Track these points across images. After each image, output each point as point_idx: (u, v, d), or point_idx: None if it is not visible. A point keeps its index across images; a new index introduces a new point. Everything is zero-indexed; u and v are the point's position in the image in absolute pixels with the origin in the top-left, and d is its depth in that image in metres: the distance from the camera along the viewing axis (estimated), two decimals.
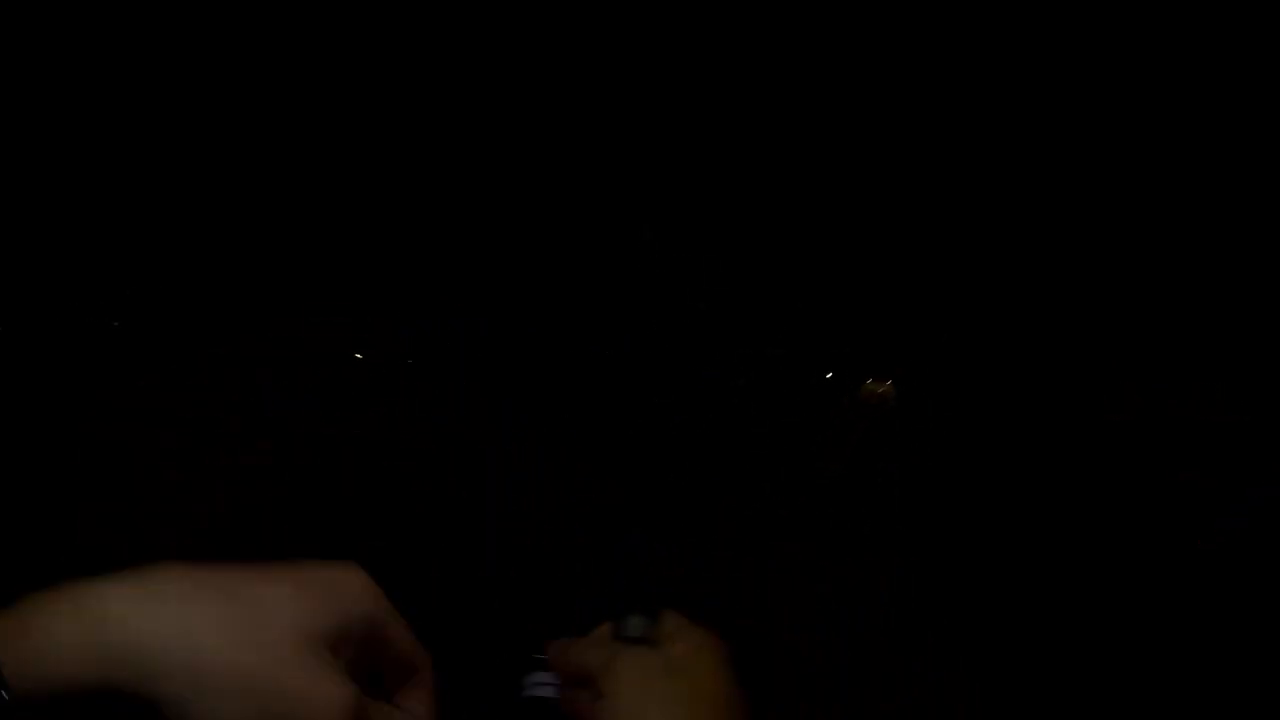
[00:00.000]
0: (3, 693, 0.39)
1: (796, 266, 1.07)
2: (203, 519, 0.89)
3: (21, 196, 0.97)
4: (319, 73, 1.03)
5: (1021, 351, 1.10)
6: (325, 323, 1.05)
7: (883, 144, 1.05)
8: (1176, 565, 0.99)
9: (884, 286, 1.07)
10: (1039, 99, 1.01)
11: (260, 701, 0.43)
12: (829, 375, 0.94)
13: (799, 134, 1.06)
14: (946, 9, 0.97)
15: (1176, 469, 1.02)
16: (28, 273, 0.99)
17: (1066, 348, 1.07)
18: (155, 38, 0.98)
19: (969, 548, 1.03)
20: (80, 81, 0.98)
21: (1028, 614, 1.00)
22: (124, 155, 1.03)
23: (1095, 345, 1.07)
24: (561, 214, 1.08)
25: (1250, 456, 1.00)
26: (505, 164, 1.08)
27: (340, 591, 0.47)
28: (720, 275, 1.08)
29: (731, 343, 1.05)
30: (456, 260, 1.10)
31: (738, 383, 1.04)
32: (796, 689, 0.94)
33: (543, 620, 0.77)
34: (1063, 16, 0.98)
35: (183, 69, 0.99)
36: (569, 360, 1.04)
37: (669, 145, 1.07)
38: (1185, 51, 0.98)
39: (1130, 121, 1.00)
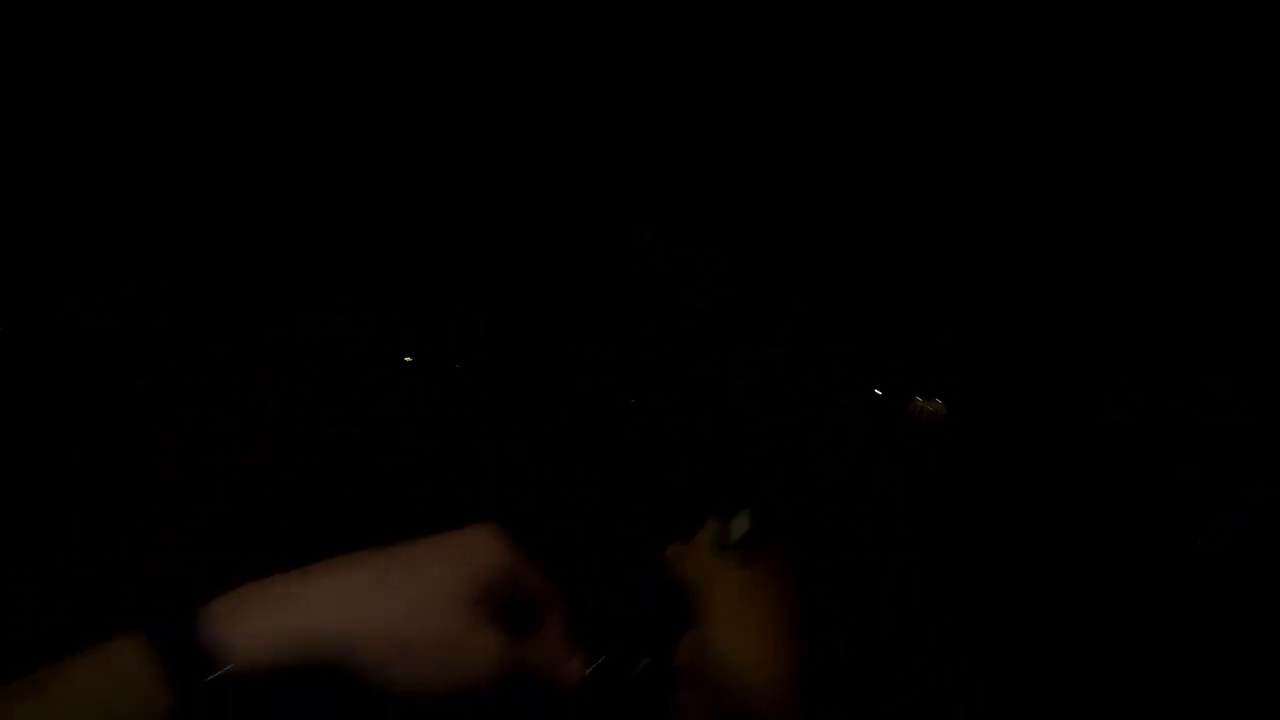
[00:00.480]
0: (217, 669, 0.48)
1: (795, 267, 1.07)
2: (203, 519, 0.89)
3: (22, 196, 0.97)
4: (320, 73, 1.03)
5: (1021, 351, 1.10)
6: (325, 322, 1.05)
7: (884, 146, 1.05)
8: (1176, 565, 0.99)
9: (883, 286, 1.07)
10: (1040, 103, 1.01)
11: (435, 655, 0.52)
12: (877, 391, 0.95)
13: (800, 135, 1.06)
14: (947, 10, 0.97)
15: (1176, 469, 1.02)
16: (28, 272, 0.99)
17: (1067, 348, 1.07)
18: (155, 39, 0.98)
19: (969, 548, 1.03)
20: (81, 82, 0.98)
21: (1028, 614, 1.00)
22: (124, 155, 1.03)
23: (1095, 345, 1.07)
24: (562, 214, 1.08)
25: (1250, 456, 1.00)
26: (505, 165, 1.08)
27: (481, 553, 0.56)
28: (720, 275, 1.08)
29: (731, 343, 1.05)
30: (456, 260, 1.10)
31: (738, 383, 1.04)
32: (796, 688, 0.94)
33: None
34: (1062, 19, 0.98)
35: (183, 70, 0.99)
36: (569, 360, 1.04)
37: (669, 145, 1.07)
38: (1185, 54, 0.98)
39: (1130, 124, 1.00)
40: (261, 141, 1.03)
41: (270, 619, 0.51)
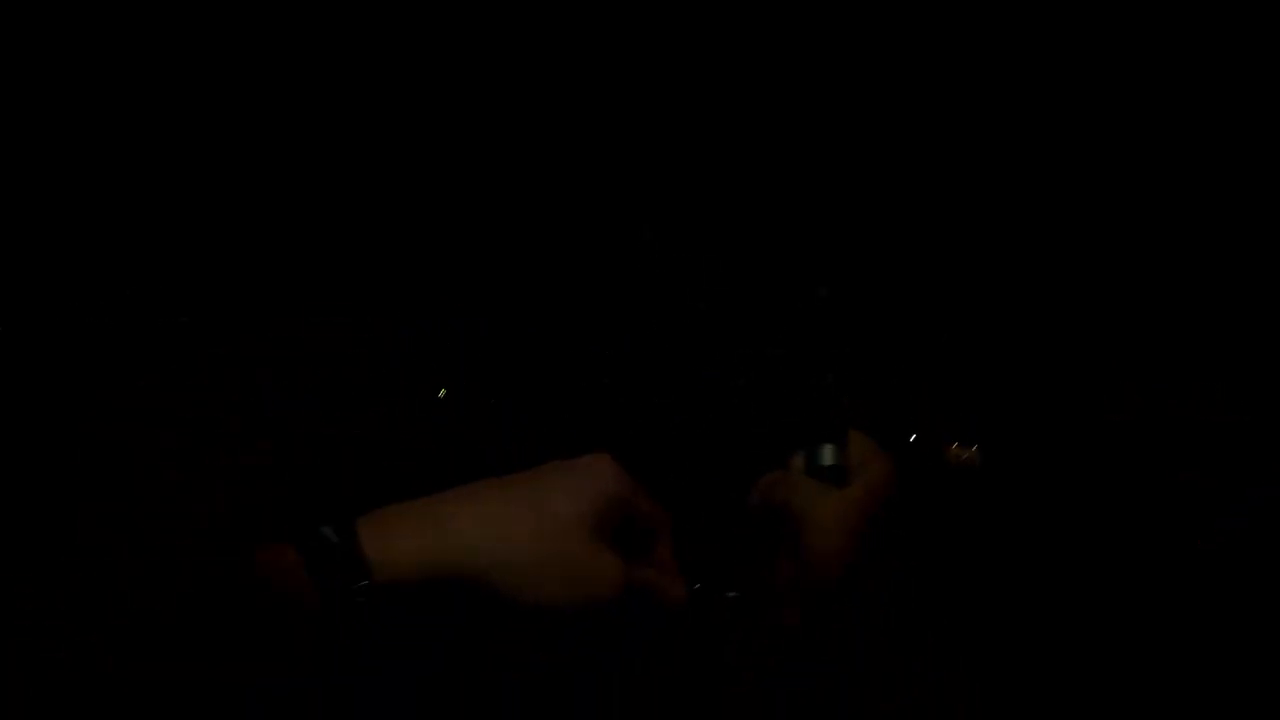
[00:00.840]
0: (367, 582, 0.53)
1: (795, 267, 1.07)
2: (203, 519, 0.89)
3: (21, 196, 0.97)
4: (319, 72, 1.03)
5: (1020, 351, 1.09)
6: (325, 323, 1.05)
7: (880, 145, 1.05)
8: (1176, 565, 0.99)
9: (885, 286, 1.07)
10: (1039, 102, 1.01)
11: (560, 573, 0.57)
12: (912, 438, 0.95)
13: (801, 135, 1.06)
14: (948, 9, 0.97)
15: (1176, 469, 1.02)
16: (27, 272, 0.99)
17: (1066, 347, 1.07)
18: (155, 37, 0.98)
19: (969, 548, 1.03)
20: (80, 81, 0.98)
21: (1028, 614, 1.00)
22: (123, 154, 1.03)
23: (1095, 345, 1.07)
24: (561, 213, 1.08)
25: (1250, 456, 1.00)
26: (504, 163, 1.08)
27: (597, 478, 0.61)
28: (720, 275, 1.08)
29: (731, 343, 1.05)
30: (456, 260, 1.10)
31: (738, 383, 1.04)
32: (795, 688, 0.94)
33: None
34: (1061, 21, 0.98)
35: (182, 68, 0.99)
36: (569, 360, 1.04)
37: (668, 145, 1.07)
38: (1184, 53, 0.98)
39: (1130, 124, 1.00)
40: (260, 140, 1.03)
41: (415, 538, 0.56)
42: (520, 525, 0.58)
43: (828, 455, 0.68)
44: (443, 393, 0.91)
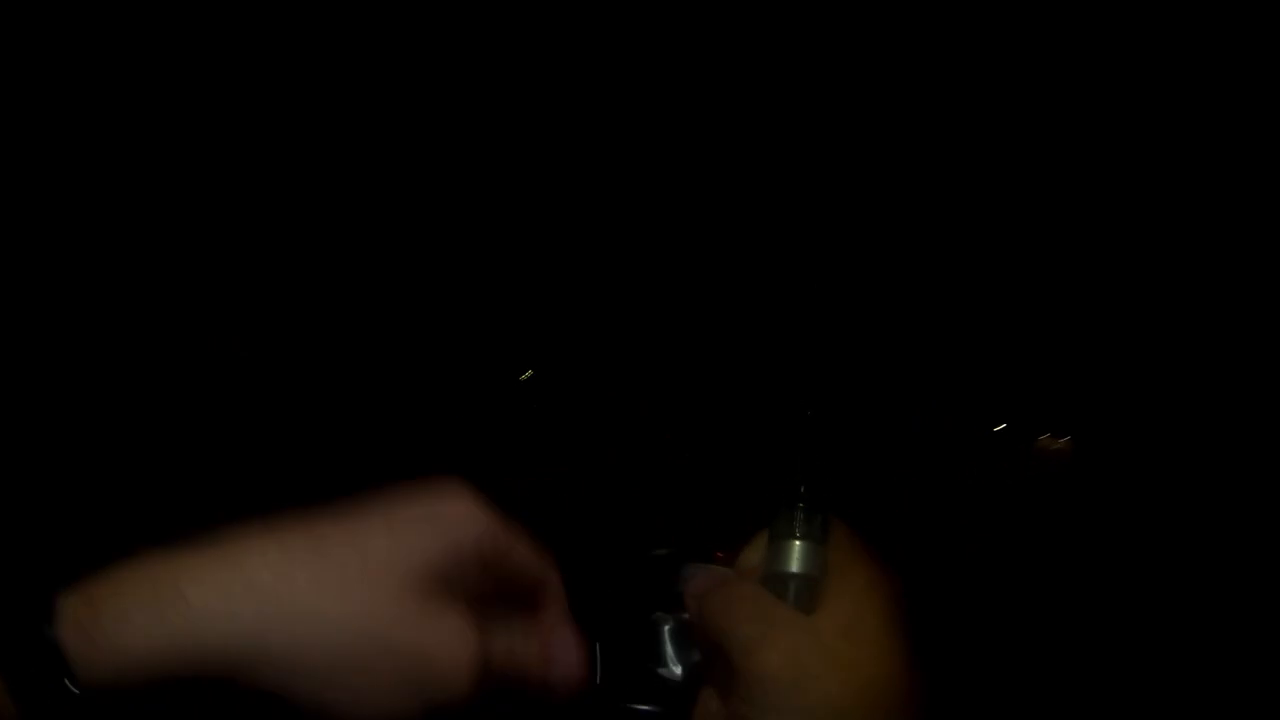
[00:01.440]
0: (70, 685, 0.34)
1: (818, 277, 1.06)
2: (203, 519, 0.89)
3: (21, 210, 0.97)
4: (317, 91, 1.03)
5: (1020, 354, 1.09)
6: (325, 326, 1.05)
7: (883, 150, 1.05)
8: (1175, 568, 0.99)
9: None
10: (1040, 111, 1.01)
11: (376, 666, 0.36)
12: (1000, 427, 0.90)
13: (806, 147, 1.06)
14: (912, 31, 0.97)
15: (1177, 473, 1.02)
16: (27, 274, 0.99)
17: (1062, 351, 1.07)
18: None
19: (964, 552, 1.03)
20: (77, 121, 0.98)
21: (1024, 617, 0.99)
22: (122, 156, 1.03)
23: (1092, 346, 1.07)
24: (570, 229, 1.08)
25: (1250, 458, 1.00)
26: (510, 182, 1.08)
27: (442, 518, 0.39)
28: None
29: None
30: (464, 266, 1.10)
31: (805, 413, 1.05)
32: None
33: None
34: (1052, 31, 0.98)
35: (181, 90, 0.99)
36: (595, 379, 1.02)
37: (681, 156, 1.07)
38: (1177, 58, 0.98)
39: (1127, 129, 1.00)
40: (260, 146, 1.03)
41: (143, 620, 0.35)
42: (320, 596, 0.36)
43: (794, 558, 0.45)
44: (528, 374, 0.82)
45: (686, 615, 0.50)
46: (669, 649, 0.52)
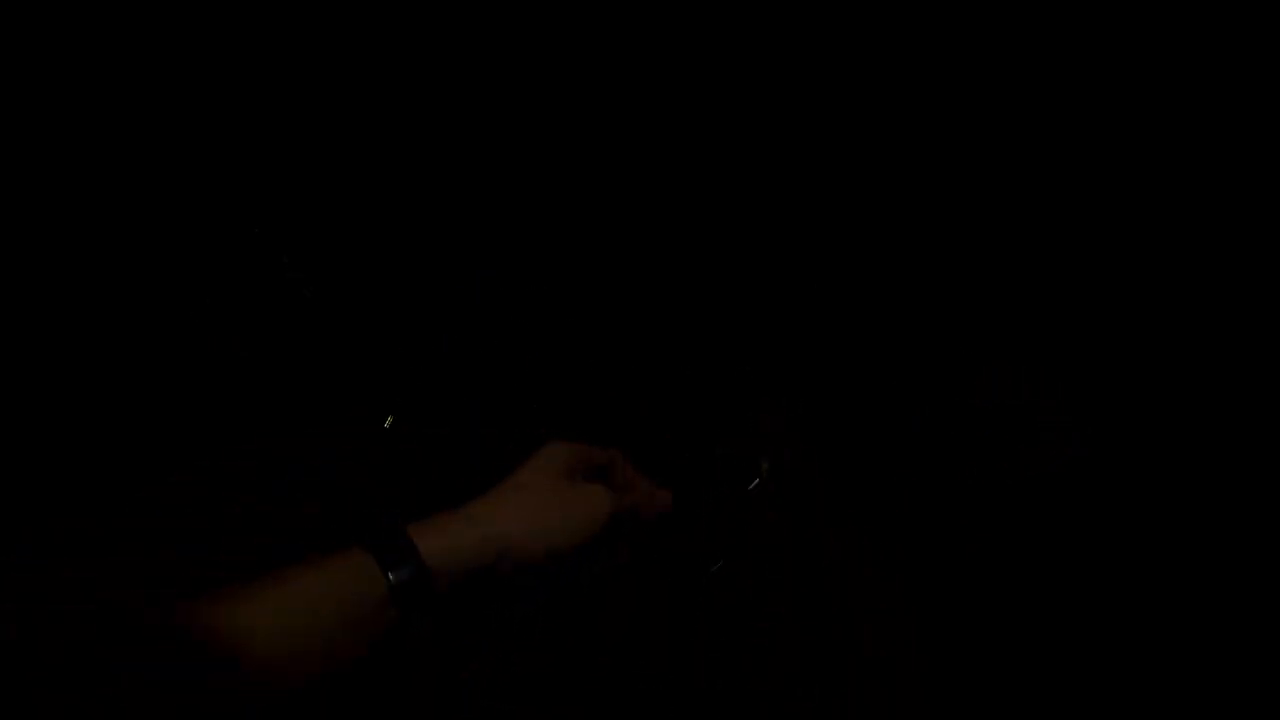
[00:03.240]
0: (430, 584, 0.69)
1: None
2: (202, 520, 0.89)
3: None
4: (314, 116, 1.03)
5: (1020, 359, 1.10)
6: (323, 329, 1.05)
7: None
8: (1173, 573, 1.00)
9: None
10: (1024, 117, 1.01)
11: (568, 515, 0.79)
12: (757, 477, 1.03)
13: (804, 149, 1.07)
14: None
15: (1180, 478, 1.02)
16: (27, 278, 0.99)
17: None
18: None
19: (959, 558, 1.03)
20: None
21: (1021, 620, 1.00)
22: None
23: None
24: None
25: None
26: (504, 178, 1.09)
27: (556, 451, 0.82)
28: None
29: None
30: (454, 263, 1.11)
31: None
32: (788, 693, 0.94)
33: None
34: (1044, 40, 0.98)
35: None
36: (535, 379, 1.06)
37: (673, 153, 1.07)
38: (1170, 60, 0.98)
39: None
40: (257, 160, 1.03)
41: (464, 535, 0.73)
42: (529, 500, 0.78)
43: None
44: (388, 421, 1.01)
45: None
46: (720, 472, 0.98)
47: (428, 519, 0.74)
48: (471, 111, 1.08)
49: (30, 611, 0.72)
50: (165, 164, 1.05)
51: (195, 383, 1.01)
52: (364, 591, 0.68)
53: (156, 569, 0.80)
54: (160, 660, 0.60)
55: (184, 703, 0.59)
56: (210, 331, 1.03)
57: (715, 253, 1.11)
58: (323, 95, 1.06)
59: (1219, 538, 0.99)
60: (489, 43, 1.05)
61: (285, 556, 0.64)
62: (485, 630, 0.91)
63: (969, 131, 1.07)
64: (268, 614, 0.63)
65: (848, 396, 1.07)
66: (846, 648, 0.94)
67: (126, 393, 0.98)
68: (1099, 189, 1.06)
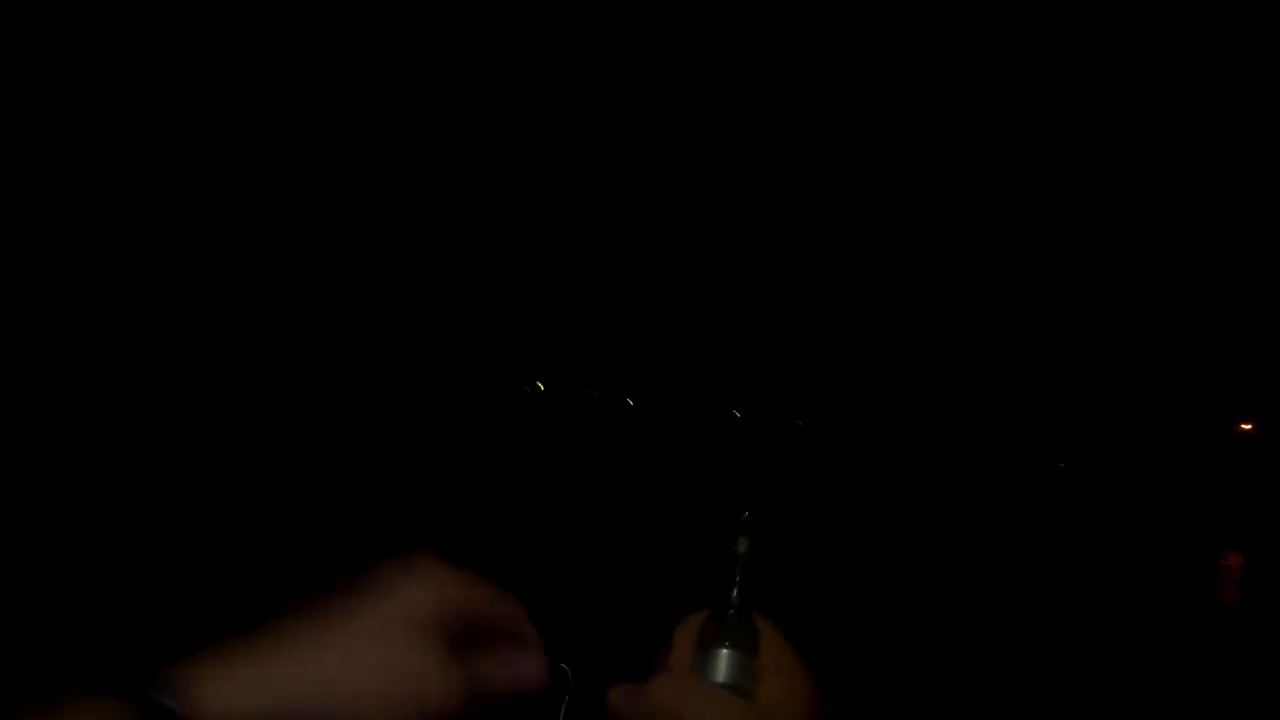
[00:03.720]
0: None
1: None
2: (204, 520, 0.90)
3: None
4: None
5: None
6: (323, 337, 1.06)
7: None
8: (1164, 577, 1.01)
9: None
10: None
11: (400, 692, 0.45)
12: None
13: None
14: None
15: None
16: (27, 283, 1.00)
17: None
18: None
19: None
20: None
21: (1022, 629, 1.01)
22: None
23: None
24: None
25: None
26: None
27: (422, 581, 0.48)
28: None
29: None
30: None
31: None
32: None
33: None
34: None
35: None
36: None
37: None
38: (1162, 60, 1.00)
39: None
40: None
41: (240, 687, 0.45)
42: (348, 652, 0.46)
43: (722, 669, 0.44)
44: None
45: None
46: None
47: (201, 655, 0.46)
48: (471, 112, 1.10)
49: None
50: (166, 164, 1.06)
51: (195, 383, 1.01)
52: None
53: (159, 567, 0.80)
54: None
55: None
56: (210, 331, 1.03)
57: (714, 252, 1.13)
58: (324, 96, 1.07)
59: (1218, 538, 1.00)
60: (489, 43, 1.07)
61: (285, 556, 0.61)
62: None
63: (969, 131, 1.08)
64: None
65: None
66: None
67: (127, 393, 0.99)
68: (1099, 189, 1.08)
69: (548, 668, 0.49)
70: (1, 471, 0.89)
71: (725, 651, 0.42)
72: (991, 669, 0.97)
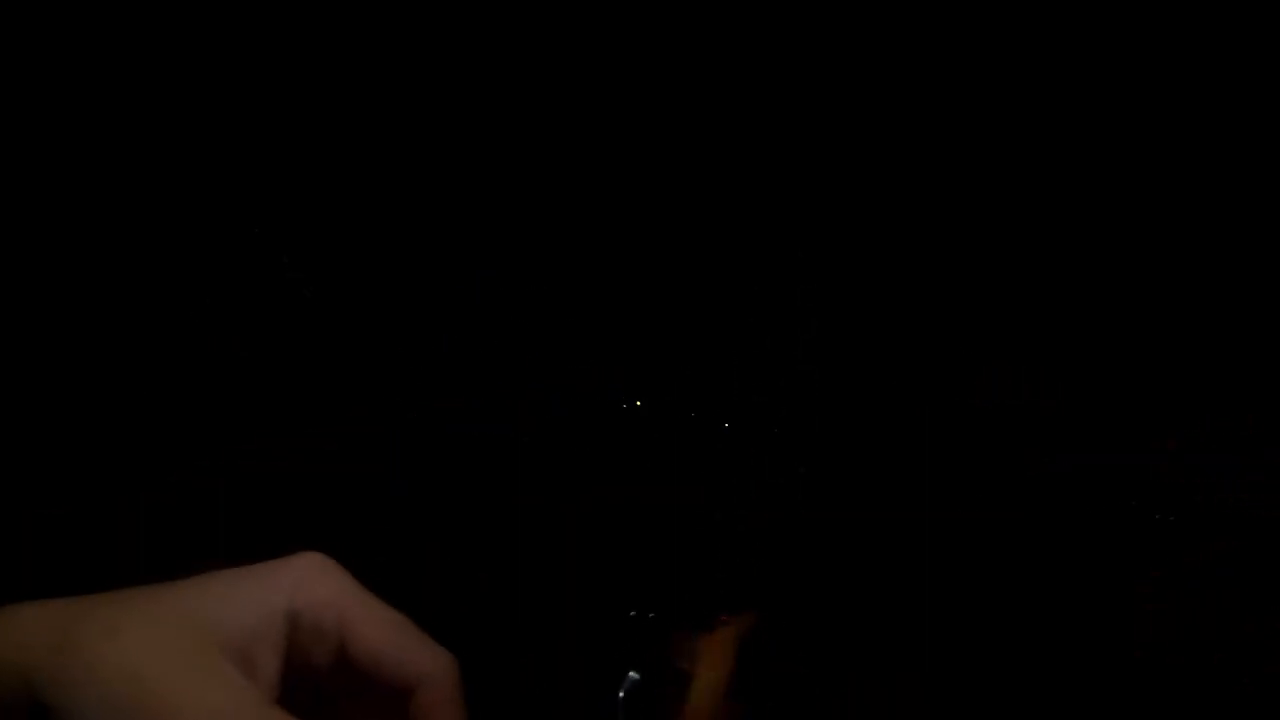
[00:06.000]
0: None
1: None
2: (203, 520, 0.89)
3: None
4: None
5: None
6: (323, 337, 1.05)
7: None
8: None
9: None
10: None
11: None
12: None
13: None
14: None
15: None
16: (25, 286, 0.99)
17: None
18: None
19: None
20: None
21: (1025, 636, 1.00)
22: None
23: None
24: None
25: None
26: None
27: (295, 585, 0.35)
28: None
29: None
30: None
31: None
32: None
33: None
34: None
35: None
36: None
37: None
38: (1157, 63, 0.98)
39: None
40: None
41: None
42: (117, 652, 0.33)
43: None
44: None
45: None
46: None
47: None
48: (471, 111, 1.08)
49: None
50: (165, 164, 1.05)
51: (195, 383, 1.01)
52: None
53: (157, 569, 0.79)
54: None
55: None
56: (210, 331, 1.02)
57: (715, 252, 1.11)
58: (323, 95, 1.06)
59: (1219, 537, 0.99)
60: (489, 43, 1.05)
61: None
62: None
63: (968, 132, 1.06)
64: None
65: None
66: None
67: (127, 392, 0.98)
68: (1099, 190, 1.06)
69: None
70: (1, 471, 0.89)
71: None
72: (992, 669, 0.97)
